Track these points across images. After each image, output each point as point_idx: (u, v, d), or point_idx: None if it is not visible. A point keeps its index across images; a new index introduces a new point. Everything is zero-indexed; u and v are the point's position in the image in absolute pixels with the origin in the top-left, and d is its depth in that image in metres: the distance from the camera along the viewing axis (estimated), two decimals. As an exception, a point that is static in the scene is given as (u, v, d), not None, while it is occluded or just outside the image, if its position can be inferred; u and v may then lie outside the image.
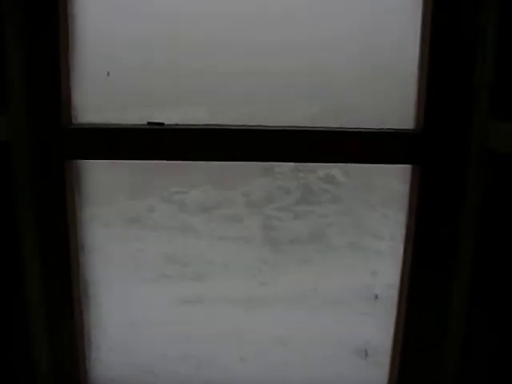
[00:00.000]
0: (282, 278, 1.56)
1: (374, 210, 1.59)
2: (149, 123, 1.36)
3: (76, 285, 1.52)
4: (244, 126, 1.36)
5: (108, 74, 1.36)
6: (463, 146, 1.34)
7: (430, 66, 1.32)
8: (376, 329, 1.60)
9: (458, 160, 1.36)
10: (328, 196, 1.55)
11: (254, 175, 1.53)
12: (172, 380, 1.63)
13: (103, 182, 1.53)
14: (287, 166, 1.53)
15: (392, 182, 1.55)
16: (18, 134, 1.34)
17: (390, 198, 1.55)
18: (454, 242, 1.41)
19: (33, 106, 1.34)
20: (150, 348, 1.61)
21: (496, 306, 1.42)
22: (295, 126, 1.36)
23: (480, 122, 1.31)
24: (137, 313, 1.59)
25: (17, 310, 1.43)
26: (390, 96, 1.40)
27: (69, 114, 1.38)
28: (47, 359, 1.49)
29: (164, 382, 1.63)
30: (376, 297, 1.58)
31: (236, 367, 1.62)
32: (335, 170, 1.56)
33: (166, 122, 1.36)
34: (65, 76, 1.35)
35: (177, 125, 1.37)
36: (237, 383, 1.63)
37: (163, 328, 1.60)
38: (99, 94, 1.39)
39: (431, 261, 1.45)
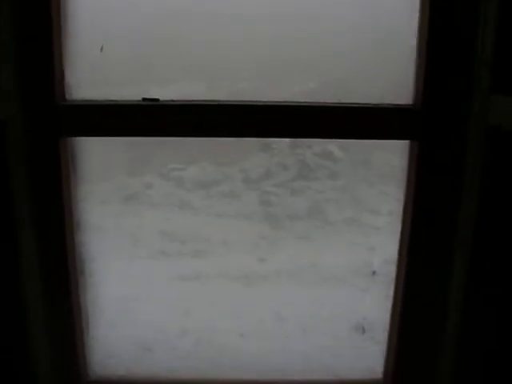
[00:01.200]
0: (280, 254, 1.55)
1: (371, 186, 1.57)
2: (144, 99, 1.34)
3: (72, 262, 1.51)
4: (241, 101, 1.34)
5: (101, 48, 1.34)
6: (463, 122, 1.33)
7: (429, 40, 1.30)
8: (374, 304, 1.61)
9: (458, 136, 1.34)
10: (325, 172, 1.53)
11: (251, 152, 1.52)
12: (171, 356, 1.63)
13: (99, 159, 1.52)
14: (284, 142, 1.52)
15: (390, 157, 1.54)
16: (12, 112, 1.32)
17: (387, 173, 1.54)
18: (453, 219, 1.40)
19: (25, 84, 1.32)
20: (148, 325, 1.61)
21: (495, 279, 1.41)
22: (293, 102, 1.34)
23: (481, 98, 1.29)
24: (134, 289, 1.59)
25: (13, 287, 1.42)
26: (388, 71, 1.38)
27: (62, 90, 1.36)
28: (44, 337, 1.49)
29: (163, 359, 1.64)
30: (374, 273, 1.58)
31: (235, 343, 1.63)
32: (332, 145, 1.54)
33: (162, 98, 1.34)
34: (57, 51, 1.33)
35: (172, 101, 1.35)
36: (236, 359, 1.63)
37: (161, 305, 1.60)
38: (93, 70, 1.37)
39: (430, 237, 1.44)
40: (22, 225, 1.41)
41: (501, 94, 1.27)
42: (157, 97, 1.33)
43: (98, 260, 1.57)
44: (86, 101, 1.37)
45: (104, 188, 1.55)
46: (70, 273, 1.51)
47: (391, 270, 1.58)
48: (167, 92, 1.38)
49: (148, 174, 1.57)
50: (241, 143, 1.49)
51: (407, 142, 1.43)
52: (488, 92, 1.27)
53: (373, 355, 1.63)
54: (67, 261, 1.49)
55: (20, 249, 1.41)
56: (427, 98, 1.33)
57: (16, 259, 1.42)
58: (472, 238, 1.39)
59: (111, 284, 1.58)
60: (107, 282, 1.58)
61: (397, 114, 1.36)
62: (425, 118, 1.35)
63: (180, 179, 1.56)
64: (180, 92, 1.39)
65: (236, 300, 1.60)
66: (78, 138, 1.44)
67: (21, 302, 1.44)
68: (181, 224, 1.56)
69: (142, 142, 1.48)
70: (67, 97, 1.37)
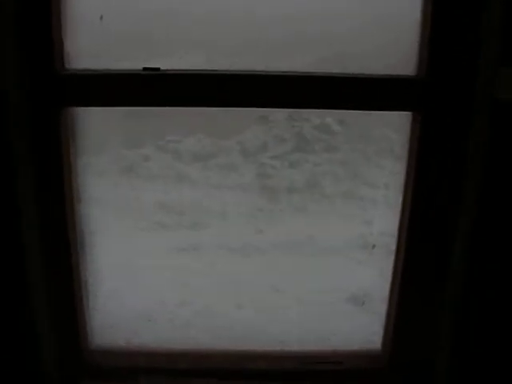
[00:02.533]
0: (277, 226, 1.57)
1: (368, 160, 1.59)
2: (144, 68, 1.34)
3: (73, 234, 1.52)
4: (240, 71, 1.34)
5: (101, 17, 1.33)
6: (468, 94, 1.30)
7: (434, 9, 1.27)
8: (371, 277, 1.62)
9: (462, 109, 1.32)
10: (322, 145, 1.55)
11: (249, 124, 1.53)
12: (170, 326, 1.65)
13: (97, 131, 1.52)
14: (281, 115, 1.52)
15: (387, 131, 1.55)
16: (12, 82, 1.32)
17: (384, 147, 1.55)
18: (455, 192, 1.40)
19: (25, 53, 1.31)
20: (147, 295, 1.63)
21: (497, 251, 1.41)
22: (292, 71, 1.34)
23: (487, 70, 1.27)
24: (133, 261, 1.60)
25: (14, 259, 1.43)
26: (392, 41, 1.37)
27: (62, 60, 1.36)
28: (45, 307, 1.50)
29: (162, 329, 1.65)
30: (373, 246, 1.60)
31: (232, 314, 1.64)
32: (330, 119, 1.55)
33: (162, 68, 1.34)
34: (56, 20, 1.32)
35: (173, 70, 1.35)
36: (233, 329, 1.65)
37: (160, 276, 1.61)
38: (92, 40, 1.36)
39: (431, 211, 1.44)
40: (23, 198, 1.40)
41: (509, 67, 1.25)
42: (157, 66, 1.33)
43: (97, 232, 1.57)
44: (85, 70, 1.36)
45: (102, 160, 1.55)
46: (71, 244, 1.51)
47: (388, 243, 1.59)
48: (167, 64, 1.38)
49: (146, 147, 1.57)
50: (238, 116, 1.49)
51: (406, 116, 1.42)
52: (495, 64, 1.26)
53: (371, 327, 1.65)
54: (67, 232, 1.49)
55: (21, 222, 1.41)
56: (431, 68, 1.31)
57: (17, 231, 1.42)
58: (474, 212, 1.38)
59: (110, 255, 1.59)
60: (107, 253, 1.59)
61: (399, 85, 1.34)
62: (428, 89, 1.33)
63: (177, 151, 1.57)
64: (180, 64, 1.39)
65: (233, 271, 1.61)
66: (77, 109, 1.44)
67: (22, 275, 1.44)
68: (179, 196, 1.57)
69: (139, 114, 1.48)
70: (67, 66, 1.36)
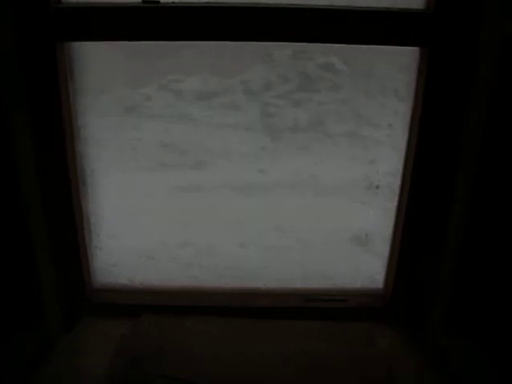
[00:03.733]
0: (280, 165, 1.55)
1: (373, 99, 1.56)
2: (144, 1, 1.31)
3: (73, 174, 1.51)
4: (244, 3, 1.30)
5: None
6: (477, 27, 1.27)
7: None
8: (374, 217, 1.62)
9: (471, 42, 1.29)
10: (327, 84, 1.51)
11: (252, 63, 1.49)
12: (172, 265, 1.66)
13: (97, 70, 1.49)
14: (285, 54, 1.49)
15: (391, 70, 1.51)
16: (2, 16, 1.28)
17: (388, 86, 1.52)
18: (460, 131, 1.38)
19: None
20: (149, 235, 1.63)
21: (501, 191, 1.40)
22: (298, 4, 1.30)
23: (495, 7, 1.23)
24: (136, 201, 1.59)
25: (14, 199, 1.42)
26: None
27: (56, -7, 1.32)
28: (47, 247, 1.50)
29: (165, 268, 1.66)
30: (377, 187, 1.58)
31: (235, 253, 1.65)
32: (335, 58, 1.51)
33: (162, 0, 1.30)
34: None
35: (173, 2, 1.31)
36: (235, 268, 1.66)
37: (162, 215, 1.61)
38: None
39: (435, 150, 1.43)
40: (20, 138, 1.39)
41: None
42: (157, -1, 1.29)
43: (98, 172, 1.57)
44: (81, 3, 1.33)
45: (103, 100, 1.53)
46: (72, 184, 1.51)
47: (391, 183, 1.58)
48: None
49: (148, 86, 1.54)
50: (241, 54, 1.46)
51: (413, 55, 1.39)
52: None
53: (374, 266, 1.66)
54: (68, 172, 1.49)
55: (19, 163, 1.40)
56: (440, 2, 1.28)
57: (16, 173, 1.40)
58: (479, 153, 1.36)
59: (112, 195, 1.59)
60: (108, 193, 1.59)
61: (407, 19, 1.32)
62: (437, 23, 1.30)
63: (179, 90, 1.53)
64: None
65: (236, 211, 1.61)
66: (75, 45, 1.41)
67: (23, 215, 1.44)
68: (181, 135, 1.55)
69: (140, 52, 1.45)
70: (63, -1, 1.33)
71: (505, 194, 1.39)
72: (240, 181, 1.58)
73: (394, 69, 1.49)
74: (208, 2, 1.31)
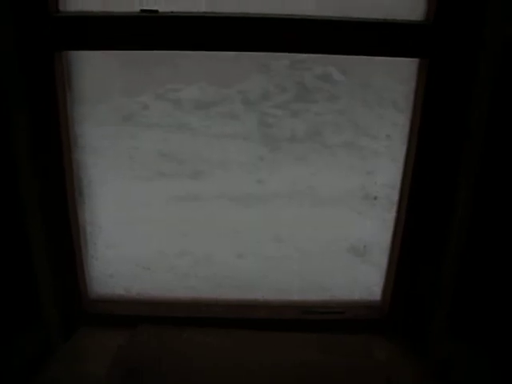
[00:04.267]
0: (278, 176, 1.55)
1: (370, 110, 1.56)
2: (142, 10, 1.30)
3: (70, 183, 1.50)
4: (240, 13, 1.30)
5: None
6: (477, 35, 1.26)
7: None
8: (372, 228, 1.61)
9: (471, 52, 1.28)
10: (324, 94, 1.51)
11: (250, 73, 1.49)
12: (169, 275, 1.65)
13: (95, 79, 1.49)
14: (283, 64, 1.49)
15: (390, 82, 1.51)
16: (2, 25, 1.28)
17: (387, 98, 1.52)
18: (460, 142, 1.37)
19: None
20: (147, 245, 1.62)
21: (503, 203, 1.37)
22: (296, 15, 1.30)
23: (496, 12, 1.22)
24: (133, 210, 1.59)
25: (12, 209, 1.41)
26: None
27: (56, 1, 1.31)
28: (45, 256, 1.49)
29: (161, 278, 1.65)
30: (375, 198, 1.58)
31: (233, 263, 1.64)
32: (332, 68, 1.51)
33: (160, 10, 1.30)
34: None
35: (172, 12, 1.31)
36: (234, 278, 1.65)
37: (160, 225, 1.60)
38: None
39: (434, 161, 1.42)
40: (18, 147, 1.38)
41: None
42: (156, 8, 1.29)
43: (96, 181, 1.56)
44: (80, 12, 1.33)
45: (100, 109, 1.53)
46: (69, 193, 1.50)
47: (389, 194, 1.58)
48: (165, 7, 1.34)
49: (145, 95, 1.54)
50: (239, 64, 1.46)
51: (412, 66, 1.39)
52: (504, 6, 1.20)
53: (372, 278, 1.65)
54: (65, 182, 1.48)
55: (17, 171, 1.39)
56: (439, 13, 1.27)
57: (14, 182, 1.40)
58: (479, 163, 1.34)
59: (110, 205, 1.58)
60: (106, 203, 1.58)
61: (407, 30, 1.31)
62: (436, 34, 1.29)
63: (177, 100, 1.53)
64: (178, 7, 1.35)
65: (234, 220, 1.60)
66: (73, 55, 1.41)
67: (21, 224, 1.43)
68: (179, 145, 1.55)
69: (138, 61, 1.45)
70: (61, 8, 1.32)
71: (507, 200, 1.38)
72: (238, 191, 1.58)
73: (393, 80, 1.50)
74: (206, 12, 1.31)
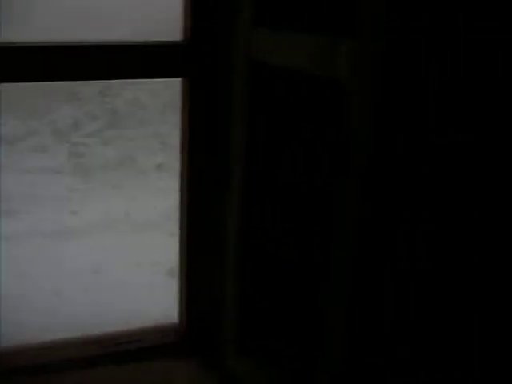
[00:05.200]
0: (92, 205, 1.51)
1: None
2: None
3: None
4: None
5: None
6: (227, 56, 1.28)
7: None
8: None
9: (223, 71, 1.29)
10: (136, 119, 1.53)
11: (59, 103, 1.50)
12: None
13: None
14: (92, 91, 1.51)
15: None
16: None
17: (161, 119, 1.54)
18: (226, 152, 1.34)
19: None
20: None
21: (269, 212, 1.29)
22: (56, 42, 1.28)
23: (241, 31, 1.24)
24: None
25: None
26: (157, 9, 1.38)
27: None
28: None
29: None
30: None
31: (49, 302, 1.54)
32: (141, 92, 1.54)
33: None
34: None
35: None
36: (49, 318, 1.54)
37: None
38: None
39: (206, 175, 1.38)
40: None
41: (265, 28, 1.20)
42: None
43: None
44: None
45: None
46: None
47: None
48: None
49: None
50: (47, 95, 1.47)
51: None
52: (251, 25, 1.22)
53: (168, 301, 1.56)
54: None
55: None
56: (195, 33, 1.29)
57: None
58: (244, 174, 1.30)
59: None
60: None
61: (166, 51, 1.30)
62: (193, 53, 1.30)
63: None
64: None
65: (51, 256, 1.53)
66: None
67: None
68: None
69: None
70: None
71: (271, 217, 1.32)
72: (52, 225, 1.53)
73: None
74: (5, 43, 1.31)
